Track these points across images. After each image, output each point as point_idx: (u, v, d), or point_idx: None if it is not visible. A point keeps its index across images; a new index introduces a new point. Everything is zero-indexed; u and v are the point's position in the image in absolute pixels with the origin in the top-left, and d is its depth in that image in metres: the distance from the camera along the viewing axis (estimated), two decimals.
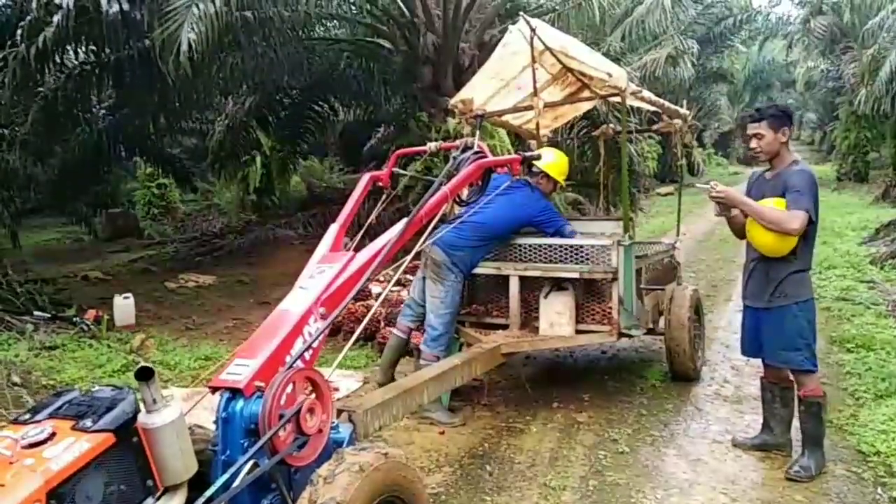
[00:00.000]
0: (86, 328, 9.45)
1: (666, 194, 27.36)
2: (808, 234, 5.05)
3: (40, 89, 12.11)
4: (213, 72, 13.04)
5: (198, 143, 22.97)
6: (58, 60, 11.65)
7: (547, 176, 6.96)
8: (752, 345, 5.51)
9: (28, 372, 7.40)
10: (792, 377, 5.39)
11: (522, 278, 6.53)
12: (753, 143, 5.24)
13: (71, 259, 17.65)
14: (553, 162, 6.97)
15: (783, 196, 5.00)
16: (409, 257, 4.69)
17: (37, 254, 18.31)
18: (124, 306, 10.46)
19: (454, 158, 4.99)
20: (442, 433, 6.14)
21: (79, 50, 12.46)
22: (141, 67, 11.73)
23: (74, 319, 9.70)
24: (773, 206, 5.02)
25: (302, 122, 18.59)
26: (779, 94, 45.44)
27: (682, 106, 8.57)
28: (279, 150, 20.01)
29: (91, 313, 9.99)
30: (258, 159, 20.18)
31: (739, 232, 5.45)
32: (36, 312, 9.79)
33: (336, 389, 7.26)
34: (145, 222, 23.11)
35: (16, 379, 7.07)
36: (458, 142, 5.24)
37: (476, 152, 5.03)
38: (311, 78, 16.15)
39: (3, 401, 6.56)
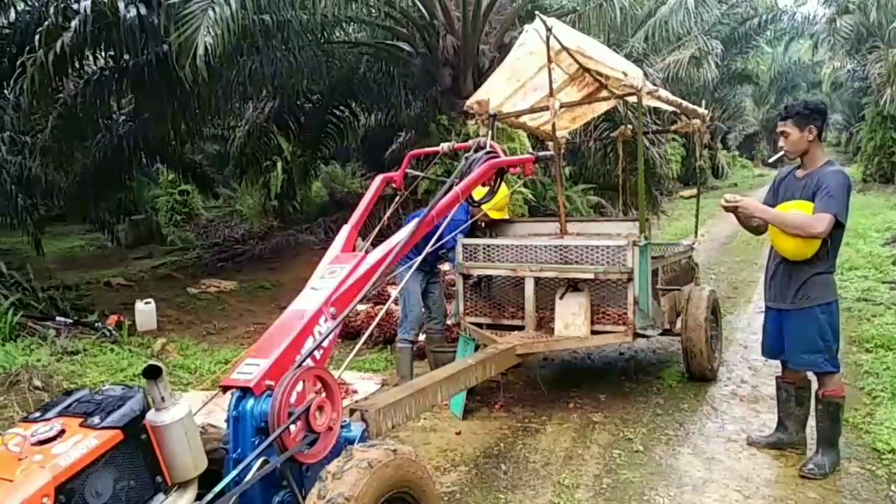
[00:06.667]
0: (107, 333, 9.50)
1: (689, 197, 27.15)
2: (834, 237, 5.00)
3: (60, 95, 12.16)
4: (233, 77, 13.06)
5: (219, 149, 23.07)
6: (77, 66, 11.74)
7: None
8: (773, 346, 5.47)
9: (50, 376, 7.44)
10: (811, 377, 5.38)
11: (538, 279, 6.53)
12: (781, 142, 5.20)
13: (94, 265, 17.81)
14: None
15: (813, 198, 4.93)
16: (419, 258, 4.71)
17: (60, 260, 18.47)
18: (146, 311, 10.55)
19: (466, 158, 4.99)
20: (458, 433, 6.15)
21: (97, 55, 12.51)
22: (160, 73, 11.75)
23: (96, 325, 9.76)
24: (796, 210, 4.98)
25: (323, 126, 18.60)
26: (805, 95, 44.76)
27: (703, 107, 8.52)
28: (300, 155, 20.07)
29: (113, 318, 10.07)
30: (279, 165, 20.27)
31: (755, 230, 5.43)
32: (58, 318, 9.85)
33: (354, 392, 7.29)
34: (168, 229, 23.23)
35: (37, 383, 7.12)
36: (470, 142, 5.24)
37: (488, 152, 5.03)
38: (331, 82, 16.13)
39: (25, 404, 6.62)
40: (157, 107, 13.52)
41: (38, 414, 3.08)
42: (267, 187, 20.87)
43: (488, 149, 5.05)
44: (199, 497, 3.17)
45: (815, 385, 5.32)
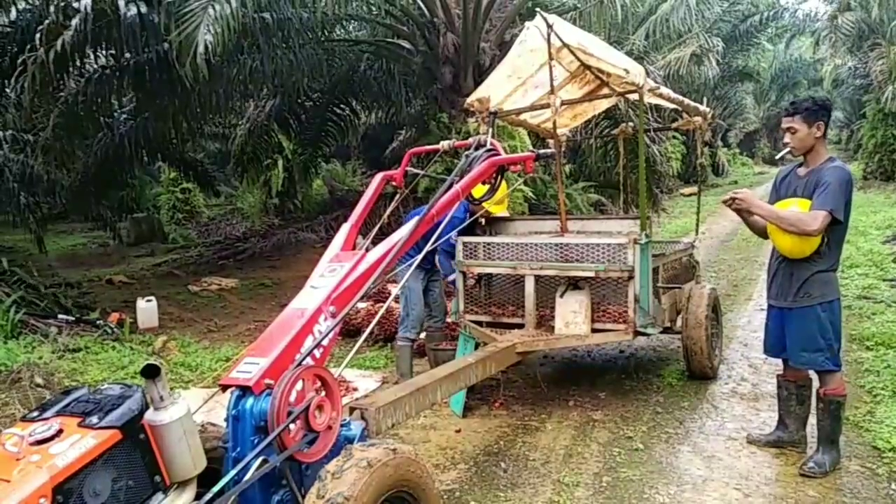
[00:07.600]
0: (109, 331, 9.51)
1: (690, 195, 27.17)
2: (834, 234, 4.97)
3: (61, 94, 12.12)
4: (233, 75, 13.04)
5: (220, 147, 23.09)
6: (78, 64, 11.73)
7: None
8: (775, 345, 5.45)
9: (51, 374, 7.45)
10: (812, 375, 5.37)
11: (538, 278, 6.52)
12: (787, 138, 5.14)
13: (96, 263, 17.85)
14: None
15: (812, 195, 4.91)
16: (419, 257, 4.71)
17: (62, 258, 18.49)
18: (147, 309, 10.55)
19: (466, 156, 4.99)
20: (458, 431, 6.15)
21: (98, 54, 12.49)
22: (160, 71, 11.74)
23: (98, 322, 9.77)
24: (794, 209, 4.95)
25: (323, 124, 18.52)
26: (806, 93, 44.64)
27: (704, 105, 8.49)
28: (301, 153, 20.02)
29: (114, 316, 10.08)
30: (280, 163, 20.29)
31: (761, 232, 5.40)
32: (60, 315, 9.86)
33: (354, 389, 7.30)
34: (169, 227, 23.28)
35: (39, 380, 7.13)
36: (471, 140, 5.23)
37: (489, 150, 5.02)
38: (331, 80, 16.13)
39: (26, 402, 6.62)
40: (157, 105, 13.50)
41: (36, 413, 3.07)
42: (268, 185, 20.91)
43: (489, 146, 5.05)
44: (198, 496, 3.17)
45: (816, 383, 5.31)
